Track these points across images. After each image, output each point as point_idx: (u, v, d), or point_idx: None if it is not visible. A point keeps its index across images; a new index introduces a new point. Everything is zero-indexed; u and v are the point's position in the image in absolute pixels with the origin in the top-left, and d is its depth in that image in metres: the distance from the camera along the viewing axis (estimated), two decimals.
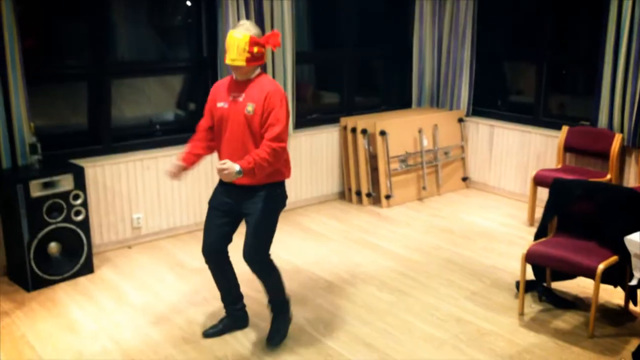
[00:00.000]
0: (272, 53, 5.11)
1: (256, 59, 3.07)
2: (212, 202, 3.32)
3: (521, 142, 5.78)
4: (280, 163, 3.10)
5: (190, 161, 3.30)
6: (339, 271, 4.35)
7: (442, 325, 3.62)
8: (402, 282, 4.18)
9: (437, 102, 6.41)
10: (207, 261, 3.35)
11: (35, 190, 3.94)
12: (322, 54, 6.17)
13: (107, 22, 4.69)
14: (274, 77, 5.16)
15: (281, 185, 3.26)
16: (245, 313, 3.59)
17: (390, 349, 3.37)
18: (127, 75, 4.91)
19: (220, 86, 3.25)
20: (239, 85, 3.14)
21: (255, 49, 3.03)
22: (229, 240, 3.33)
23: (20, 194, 3.87)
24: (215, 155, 3.32)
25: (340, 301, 3.91)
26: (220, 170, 2.92)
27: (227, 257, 3.37)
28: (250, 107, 3.08)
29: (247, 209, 3.18)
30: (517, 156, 5.83)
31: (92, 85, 4.66)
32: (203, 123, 3.33)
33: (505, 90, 6.49)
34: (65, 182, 4.06)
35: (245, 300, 3.59)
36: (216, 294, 3.96)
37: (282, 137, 3.04)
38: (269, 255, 3.29)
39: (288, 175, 3.29)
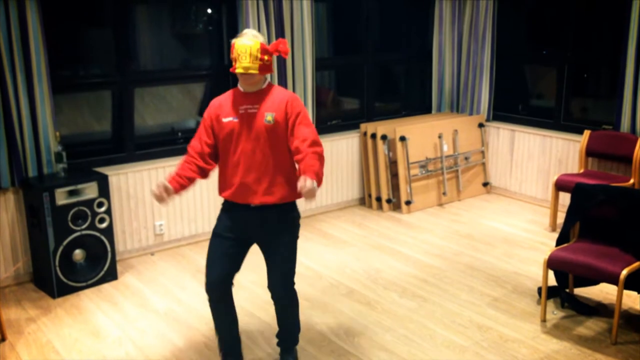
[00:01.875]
0: (293, 60, 5.15)
1: (267, 68, 2.89)
2: (218, 230, 3.01)
3: (542, 147, 5.74)
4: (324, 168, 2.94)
5: (177, 184, 2.92)
6: (360, 277, 4.36)
7: (464, 331, 3.61)
8: (423, 288, 4.18)
9: (457, 107, 6.39)
10: (213, 298, 3.05)
11: (61, 198, 4.01)
12: (342, 59, 6.20)
13: (131, 30, 4.77)
14: (293, 83, 5.20)
15: (296, 209, 3.08)
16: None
17: (412, 355, 3.37)
18: (150, 84, 4.98)
19: (222, 102, 2.98)
20: (249, 97, 2.93)
21: (266, 57, 2.86)
22: (238, 271, 3.06)
23: (46, 201, 3.95)
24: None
25: (361, 307, 3.92)
26: (308, 192, 2.69)
27: (231, 291, 3.11)
28: (269, 117, 2.89)
29: (267, 235, 2.98)
30: (539, 161, 5.79)
31: (116, 94, 4.74)
32: (196, 144, 2.99)
33: (526, 94, 6.45)
34: (90, 190, 4.13)
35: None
36: (238, 299, 3.99)
37: (317, 141, 2.90)
38: (294, 288, 3.16)
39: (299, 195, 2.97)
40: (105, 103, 4.83)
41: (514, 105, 6.28)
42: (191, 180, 2.97)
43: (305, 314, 3.83)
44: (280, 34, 5.01)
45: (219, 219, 3.04)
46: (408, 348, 3.44)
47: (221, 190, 3.01)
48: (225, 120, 2.91)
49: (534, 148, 5.81)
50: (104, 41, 4.76)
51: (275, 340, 3.39)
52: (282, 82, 5.12)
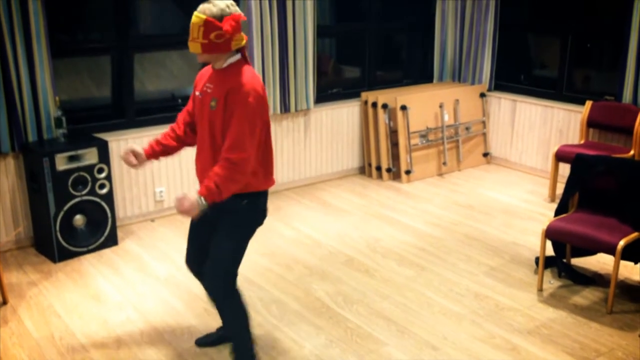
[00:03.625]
0: (294, 27, 5.09)
1: (217, 48, 2.55)
2: None
3: (544, 117, 5.72)
4: (245, 176, 2.59)
5: (150, 149, 2.84)
6: (359, 246, 4.39)
7: (461, 300, 3.65)
8: (422, 257, 4.21)
9: (459, 76, 6.35)
10: (192, 273, 3.01)
11: (61, 163, 4.01)
12: (344, 27, 6.13)
13: None
14: (294, 50, 5.15)
15: (249, 198, 2.70)
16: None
17: (409, 322, 3.41)
18: (150, 49, 4.94)
19: (204, 72, 2.77)
20: (213, 75, 2.68)
21: (213, 35, 2.52)
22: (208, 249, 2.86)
23: (47, 167, 3.95)
24: None
25: (360, 275, 3.95)
26: (177, 207, 2.49)
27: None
28: (213, 102, 2.60)
29: (216, 221, 2.74)
30: (540, 131, 5.78)
31: (116, 59, 4.70)
32: (182, 111, 2.91)
33: (528, 64, 6.40)
34: (90, 156, 4.13)
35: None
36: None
37: (239, 145, 2.52)
38: (230, 283, 2.79)
39: (261, 187, 2.73)
40: (105, 68, 4.79)
41: (516, 75, 6.24)
42: (166, 147, 2.86)
43: (305, 281, 3.87)
44: (281, 1, 4.95)
45: None
46: (405, 315, 3.48)
47: None
48: (197, 93, 2.75)
49: (535, 118, 5.79)
50: (103, 5, 4.70)
51: (273, 306, 3.40)
52: (283, 49, 5.08)
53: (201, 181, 2.74)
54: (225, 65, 2.64)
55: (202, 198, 2.50)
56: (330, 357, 3.12)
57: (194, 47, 2.57)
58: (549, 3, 6.05)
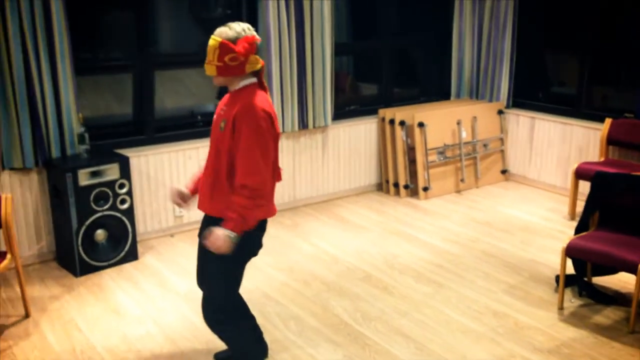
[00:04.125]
0: (312, 45, 5.14)
1: (232, 70, 2.56)
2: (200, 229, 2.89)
3: (563, 135, 5.70)
4: (265, 200, 2.60)
5: (193, 188, 2.89)
6: (377, 262, 4.38)
7: (480, 317, 3.63)
8: (440, 274, 4.19)
9: (476, 93, 6.36)
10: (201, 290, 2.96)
11: (83, 179, 4.07)
12: (361, 44, 6.18)
13: (151, 14, 4.80)
14: (312, 68, 5.20)
15: None
16: (263, 341, 3.15)
17: (427, 340, 3.40)
18: (170, 67, 5.01)
19: (226, 95, 2.77)
20: (229, 97, 2.69)
21: (228, 58, 2.54)
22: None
23: (69, 182, 4.02)
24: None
25: (378, 292, 3.95)
26: (210, 246, 2.52)
27: None
28: (222, 123, 2.61)
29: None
30: (559, 149, 5.75)
31: (137, 77, 4.78)
32: None
33: (546, 81, 6.40)
34: (112, 172, 4.19)
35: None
36: (255, 281, 4.05)
37: (252, 170, 2.52)
38: (222, 311, 2.78)
39: (265, 215, 2.68)
40: (126, 86, 4.88)
41: (534, 92, 6.23)
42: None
43: (323, 297, 3.88)
44: (299, 18, 5.01)
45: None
46: (424, 333, 3.47)
47: None
48: (215, 116, 2.78)
49: (554, 136, 5.77)
50: (124, 24, 4.79)
51: (291, 322, 3.41)
52: (301, 67, 5.13)
53: (200, 195, 2.75)
54: (238, 87, 2.65)
55: (230, 232, 2.51)
56: None
57: (210, 69, 2.60)
58: (567, 20, 6.06)
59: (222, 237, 2.51)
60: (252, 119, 2.53)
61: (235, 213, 2.52)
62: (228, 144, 2.58)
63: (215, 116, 2.76)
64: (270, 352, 3.24)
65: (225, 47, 2.54)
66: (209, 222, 2.72)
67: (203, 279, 2.86)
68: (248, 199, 2.52)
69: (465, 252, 4.54)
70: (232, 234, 2.52)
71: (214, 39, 2.56)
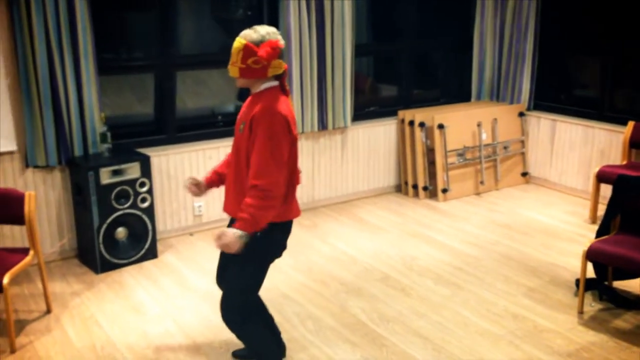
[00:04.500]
0: (332, 46, 5.15)
1: (254, 73, 2.60)
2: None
3: (584, 138, 5.64)
4: (278, 200, 2.58)
5: (209, 179, 2.93)
6: (395, 263, 4.38)
7: (498, 320, 3.60)
8: (458, 276, 4.17)
9: (497, 95, 6.32)
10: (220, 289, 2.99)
11: (105, 177, 4.13)
12: (381, 46, 6.18)
13: (173, 15, 4.84)
14: (332, 70, 5.21)
15: (262, 229, 2.61)
16: (280, 340, 3.19)
17: (445, 342, 3.38)
18: (191, 67, 5.06)
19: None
20: (250, 99, 2.73)
21: (250, 60, 2.58)
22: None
23: (92, 181, 4.07)
24: None
25: (396, 293, 3.94)
26: (216, 243, 2.56)
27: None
28: (242, 125, 2.66)
29: None
30: (580, 152, 5.69)
31: (158, 77, 4.83)
32: None
33: (568, 83, 6.33)
34: (133, 170, 4.24)
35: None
36: (274, 281, 4.07)
37: (263, 171, 2.53)
38: (240, 311, 2.80)
39: (285, 217, 2.72)
40: (147, 86, 4.93)
41: (556, 94, 6.18)
42: (221, 175, 2.93)
43: (340, 297, 3.88)
44: (320, 19, 5.03)
45: None
46: (442, 335, 3.45)
47: None
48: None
49: (576, 138, 5.72)
50: (147, 25, 4.85)
51: (309, 321, 3.42)
52: (322, 68, 5.14)
53: (226, 198, 2.81)
54: (259, 90, 2.67)
55: (241, 231, 2.54)
56: None
57: (233, 71, 2.64)
58: (590, 21, 6.00)
59: (231, 237, 2.53)
60: (268, 121, 2.56)
61: (245, 213, 2.55)
62: (246, 145, 2.62)
63: (237, 118, 2.80)
64: (288, 351, 3.26)
65: (248, 50, 2.57)
66: (232, 224, 2.75)
67: (223, 278, 2.89)
68: (257, 200, 2.54)
69: (484, 254, 4.52)
70: (243, 234, 2.54)
71: (238, 41, 2.60)
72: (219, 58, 5.19)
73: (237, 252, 2.56)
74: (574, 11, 6.11)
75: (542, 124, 6.01)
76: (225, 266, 2.90)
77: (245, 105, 2.76)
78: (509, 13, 6.03)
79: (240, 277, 2.75)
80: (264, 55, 2.56)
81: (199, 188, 2.93)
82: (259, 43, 2.58)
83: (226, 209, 2.81)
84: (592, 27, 5.95)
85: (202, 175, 4.85)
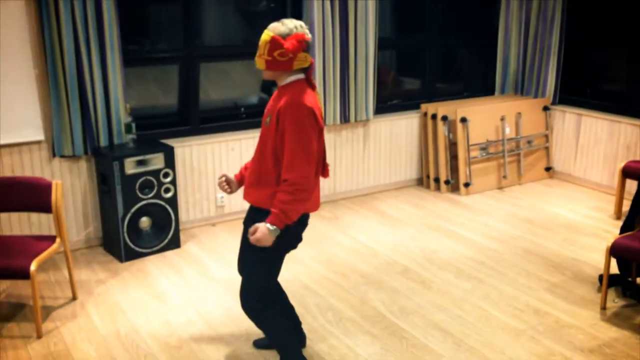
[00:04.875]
0: (355, 39, 5.14)
1: (280, 66, 2.61)
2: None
3: (610, 132, 5.57)
4: (309, 193, 2.63)
5: (239, 174, 2.98)
6: (416, 256, 4.38)
7: (520, 315, 3.59)
8: (480, 270, 4.16)
9: (521, 89, 6.26)
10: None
11: (130, 167, 4.18)
12: (405, 39, 6.15)
13: (197, 7, 4.88)
14: (355, 63, 5.20)
15: None
16: (301, 330, 3.24)
17: (466, 335, 3.38)
18: (215, 59, 5.09)
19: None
20: (276, 92, 2.74)
21: (277, 53, 2.59)
22: None
23: (116, 170, 4.13)
24: None
25: (416, 286, 3.95)
26: (250, 239, 2.60)
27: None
28: (268, 118, 2.68)
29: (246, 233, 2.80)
30: (606, 147, 5.62)
31: (182, 69, 4.87)
32: None
33: (594, 77, 6.24)
34: (157, 161, 4.29)
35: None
36: (294, 272, 4.10)
37: (294, 164, 2.56)
38: (259, 298, 2.81)
39: (304, 209, 2.72)
40: (171, 78, 4.98)
41: (581, 88, 6.10)
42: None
43: (361, 289, 3.90)
44: (343, 12, 5.02)
45: None
46: (462, 328, 3.45)
47: None
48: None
49: (601, 133, 5.64)
50: (171, 17, 4.89)
51: (329, 313, 3.44)
52: (345, 61, 5.14)
53: (245, 186, 2.84)
54: (285, 83, 2.69)
55: (272, 225, 2.58)
56: None
57: (260, 63, 2.66)
58: (617, 14, 5.90)
59: (263, 231, 2.58)
60: (294, 114, 2.57)
61: (277, 209, 2.59)
62: (272, 138, 2.64)
63: (265, 111, 2.81)
64: (308, 341, 3.29)
65: (275, 42, 2.59)
66: (252, 212, 2.81)
67: (243, 266, 2.93)
68: (288, 194, 2.58)
69: (506, 249, 4.49)
70: (274, 227, 2.58)
71: (266, 34, 2.62)
72: (242, 50, 5.23)
73: (270, 245, 2.62)
74: (601, 3, 6.01)
75: (567, 118, 5.94)
76: (244, 254, 2.94)
77: (272, 99, 2.79)
78: (535, 6, 5.96)
79: (256, 266, 2.80)
80: (290, 47, 2.57)
81: (231, 186, 2.97)
82: (286, 36, 2.60)
83: (245, 197, 2.85)
84: (619, 20, 5.85)
85: (225, 167, 4.90)
